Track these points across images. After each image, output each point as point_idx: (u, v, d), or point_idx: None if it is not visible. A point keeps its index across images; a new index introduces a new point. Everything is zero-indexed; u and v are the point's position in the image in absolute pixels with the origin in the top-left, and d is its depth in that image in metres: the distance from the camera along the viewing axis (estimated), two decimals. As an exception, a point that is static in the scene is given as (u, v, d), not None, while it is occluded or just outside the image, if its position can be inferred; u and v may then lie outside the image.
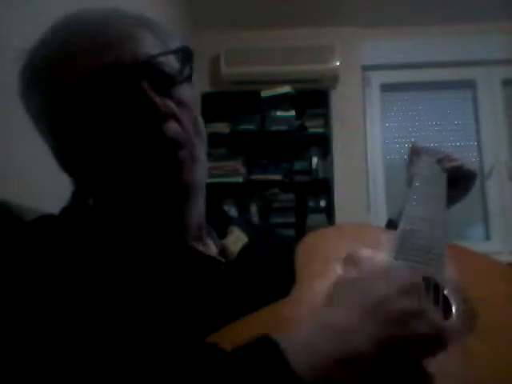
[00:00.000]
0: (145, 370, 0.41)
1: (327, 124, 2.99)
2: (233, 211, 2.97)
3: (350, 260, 0.53)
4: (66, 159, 0.64)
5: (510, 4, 2.97)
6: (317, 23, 3.17)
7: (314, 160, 2.97)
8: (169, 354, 0.42)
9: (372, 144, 3.23)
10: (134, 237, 0.60)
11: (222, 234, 0.70)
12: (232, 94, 3.12)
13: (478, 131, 3.21)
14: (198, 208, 0.65)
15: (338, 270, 0.56)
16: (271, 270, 0.68)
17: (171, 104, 0.59)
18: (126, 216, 0.62)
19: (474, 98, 3.26)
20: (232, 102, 3.08)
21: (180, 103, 0.61)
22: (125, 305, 0.49)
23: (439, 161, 0.87)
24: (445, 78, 3.26)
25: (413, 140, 0.94)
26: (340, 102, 3.12)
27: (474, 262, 0.68)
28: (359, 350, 0.41)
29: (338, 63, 3.07)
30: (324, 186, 2.91)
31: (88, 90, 0.57)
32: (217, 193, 2.99)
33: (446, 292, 0.60)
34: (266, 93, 3.00)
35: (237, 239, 0.69)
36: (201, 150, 0.63)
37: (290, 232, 2.85)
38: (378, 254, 0.57)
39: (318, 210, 2.91)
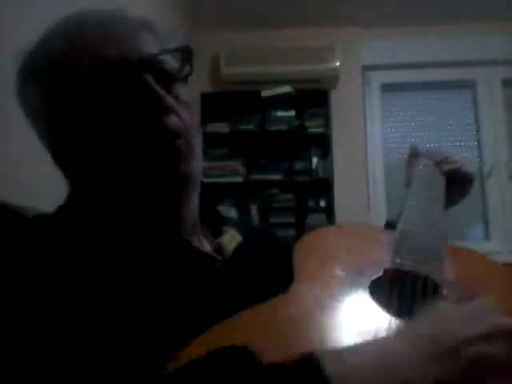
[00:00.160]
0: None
1: (327, 124, 2.99)
2: (233, 211, 2.97)
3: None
4: (64, 156, 0.64)
5: (510, 4, 2.97)
6: (317, 23, 3.17)
7: (314, 160, 2.96)
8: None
9: (372, 144, 3.23)
10: (129, 231, 0.60)
11: (217, 234, 0.71)
12: (232, 93, 3.12)
13: (478, 131, 3.20)
14: (193, 204, 0.66)
15: (336, 269, 0.56)
16: (266, 269, 0.68)
17: (171, 99, 0.60)
18: (122, 211, 0.62)
19: (474, 98, 3.26)
20: (232, 102, 3.08)
21: (178, 100, 0.62)
22: (121, 300, 0.49)
23: (438, 163, 0.87)
24: (445, 78, 3.26)
25: (412, 141, 0.94)
26: (340, 102, 3.12)
27: (474, 262, 0.68)
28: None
29: (337, 63, 3.07)
30: (324, 186, 2.91)
31: (92, 83, 0.57)
32: (217, 193, 2.99)
33: (444, 292, 0.60)
34: (265, 93, 2.99)
35: (231, 238, 0.69)
36: (197, 145, 0.64)
37: (290, 232, 2.85)
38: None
39: (318, 209, 2.91)
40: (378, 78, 3.32)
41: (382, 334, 0.46)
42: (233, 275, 0.64)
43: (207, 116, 3.05)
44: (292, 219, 2.92)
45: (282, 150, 3.08)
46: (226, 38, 3.21)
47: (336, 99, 3.09)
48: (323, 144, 2.99)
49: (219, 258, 0.65)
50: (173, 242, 0.62)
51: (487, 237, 3.09)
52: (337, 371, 0.36)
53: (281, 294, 0.55)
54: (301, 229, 2.86)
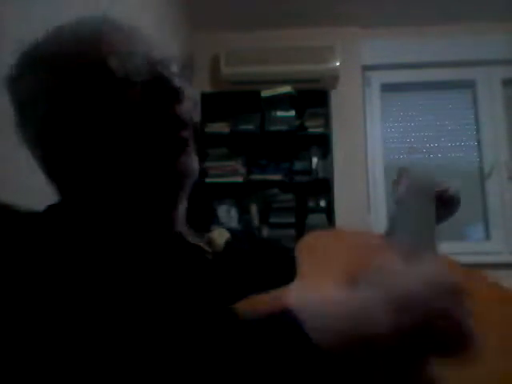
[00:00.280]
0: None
1: (327, 124, 2.99)
2: (233, 211, 2.97)
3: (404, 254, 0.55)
4: (57, 158, 0.63)
5: (510, 4, 2.97)
6: (317, 23, 3.18)
7: (314, 160, 2.96)
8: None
9: (372, 144, 3.23)
10: (122, 224, 0.60)
11: (205, 232, 0.72)
12: (232, 93, 3.12)
13: (478, 131, 3.21)
14: (184, 201, 0.67)
15: (334, 270, 0.57)
16: (256, 263, 0.70)
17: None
18: (116, 205, 0.62)
19: (474, 98, 3.26)
20: (232, 102, 3.08)
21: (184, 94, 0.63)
22: (116, 293, 0.49)
23: (425, 185, 0.88)
24: (445, 78, 3.26)
25: (400, 167, 0.94)
26: (340, 102, 3.12)
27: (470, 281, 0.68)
28: (375, 331, 0.43)
29: (337, 63, 3.07)
30: (324, 186, 2.91)
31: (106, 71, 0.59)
32: (217, 193, 2.99)
33: None
34: (265, 93, 2.99)
35: (220, 234, 0.71)
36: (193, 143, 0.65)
37: (290, 232, 2.86)
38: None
39: (318, 210, 2.91)
40: (377, 78, 3.32)
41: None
42: (224, 267, 0.65)
43: (207, 116, 3.05)
44: (292, 219, 2.92)
45: (282, 150, 3.08)
46: (226, 38, 3.21)
47: (336, 99, 3.09)
48: (323, 144, 2.99)
49: (210, 250, 0.66)
50: (164, 233, 0.63)
51: (487, 237, 3.09)
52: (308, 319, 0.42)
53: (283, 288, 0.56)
54: (301, 229, 2.86)
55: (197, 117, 0.67)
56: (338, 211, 2.84)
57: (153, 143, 0.58)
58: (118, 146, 0.59)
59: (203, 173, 2.91)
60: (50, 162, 0.64)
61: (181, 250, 0.62)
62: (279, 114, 3.00)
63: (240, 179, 2.96)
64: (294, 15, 3.10)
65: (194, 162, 0.63)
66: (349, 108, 3.17)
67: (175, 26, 2.77)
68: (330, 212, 2.86)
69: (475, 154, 3.19)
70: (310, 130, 3.02)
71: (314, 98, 3.05)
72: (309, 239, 0.69)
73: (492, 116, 3.19)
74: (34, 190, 1.11)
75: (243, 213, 2.98)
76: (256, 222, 2.95)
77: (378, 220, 3.11)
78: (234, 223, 2.91)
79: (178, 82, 0.61)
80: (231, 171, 2.97)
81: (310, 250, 0.66)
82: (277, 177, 2.97)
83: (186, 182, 0.63)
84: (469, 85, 3.27)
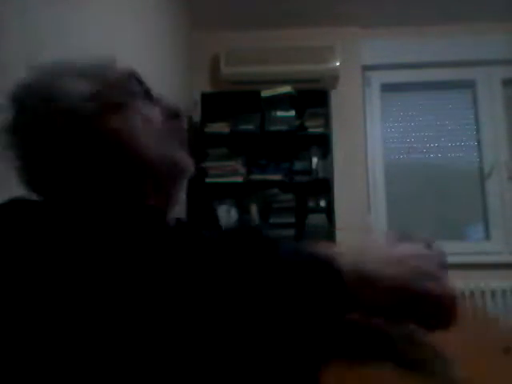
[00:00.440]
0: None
1: (327, 124, 2.99)
2: (233, 211, 2.97)
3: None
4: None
5: (510, 4, 2.97)
6: (317, 23, 3.18)
7: (314, 160, 2.96)
8: None
9: (372, 144, 3.23)
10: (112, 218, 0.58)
11: None
12: (232, 93, 3.12)
13: (478, 131, 3.21)
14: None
15: None
16: None
17: None
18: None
19: (474, 98, 3.26)
20: (232, 102, 3.08)
21: None
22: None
23: None
24: (445, 78, 3.27)
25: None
26: (340, 102, 3.12)
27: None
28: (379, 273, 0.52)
29: (337, 63, 3.07)
30: (324, 186, 2.91)
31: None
32: (217, 193, 2.99)
33: None
34: (266, 93, 2.99)
35: None
36: None
37: (290, 232, 2.85)
38: None
39: (318, 210, 2.91)
40: (377, 78, 3.32)
41: None
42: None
43: (207, 116, 3.05)
44: (292, 219, 2.92)
45: (282, 150, 3.08)
46: (226, 38, 3.21)
47: (336, 99, 3.09)
48: (323, 144, 2.99)
49: None
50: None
51: (487, 237, 3.09)
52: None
53: None
54: (301, 229, 2.86)
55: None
56: (338, 211, 2.84)
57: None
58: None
59: (203, 173, 2.91)
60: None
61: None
62: (279, 113, 3.00)
63: (240, 179, 2.96)
64: (294, 15, 3.10)
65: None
66: (349, 108, 3.17)
67: (175, 25, 2.77)
68: (330, 212, 2.86)
69: (475, 154, 3.19)
70: (310, 130, 3.02)
71: (313, 97, 3.05)
72: None
73: (492, 116, 3.19)
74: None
75: (243, 213, 2.98)
76: (256, 221, 2.94)
77: (378, 220, 3.11)
78: (233, 223, 2.91)
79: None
80: (231, 171, 2.97)
81: None
82: (277, 177, 2.97)
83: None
84: (469, 85, 3.27)
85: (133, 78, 0.71)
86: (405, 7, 3.05)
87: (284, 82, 3.03)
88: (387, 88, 3.31)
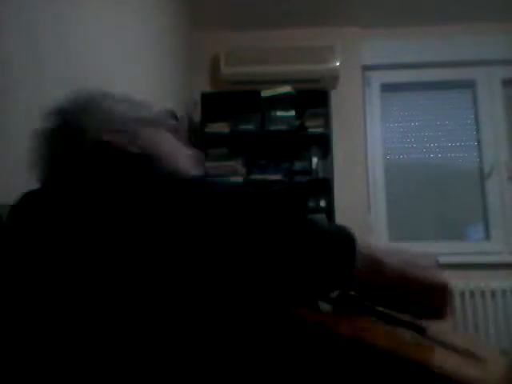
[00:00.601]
0: None
1: (327, 124, 2.99)
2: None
3: None
4: None
5: (510, 4, 2.97)
6: (317, 23, 3.18)
7: (314, 160, 2.96)
8: None
9: (372, 144, 3.23)
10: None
11: None
12: (232, 93, 3.12)
13: (478, 131, 3.21)
14: None
15: None
16: None
17: None
18: None
19: (474, 98, 3.26)
20: (232, 102, 3.08)
21: None
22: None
23: None
24: (445, 78, 3.27)
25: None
26: (340, 102, 3.12)
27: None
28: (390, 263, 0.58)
29: (337, 63, 3.07)
30: (324, 186, 2.91)
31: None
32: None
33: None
34: (266, 93, 2.99)
35: None
36: None
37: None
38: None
39: (318, 210, 2.91)
40: (377, 78, 3.32)
41: None
42: None
43: (207, 116, 3.05)
44: (292, 219, 2.91)
45: (282, 150, 3.08)
46: (226, 38, 3.21)
47: (336, 99, 3.09)
48: (323, 144, 2.99)
49: None
50: None
51: (487, 237, 3.09)
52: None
53: None
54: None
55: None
56: (338, 211, 2.84)
57: None
58: None
59: (203, 173, 2.90)
60: None
61: None
62: (279, 113, 3.00)
63: (240, 179, 2.96)
64: (294, 15, 3.10)
65: None
66: (349, 108, 3.17)
67: (175, 25, 2.77)
68: (330, 212, 2.86)
69: (475, 154, 3.19)
70: (310, 130, 3.02)
71: (314, 97, 3.05)
72: None
73: (492, 116, 3.19)
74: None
75: (243, 213, 2.98)
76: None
77: (378, 220, 3.11)
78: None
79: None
80: (231, 171, 2.97)
81: None
82: (277, 177, 2.97)
83: None
84: (469, 85, 3.27)
85: (170, 114, 0.86)
86: (405, 7, 3.05)
87: (284, 81, 3.03)
88: (387, 88, 3.31)
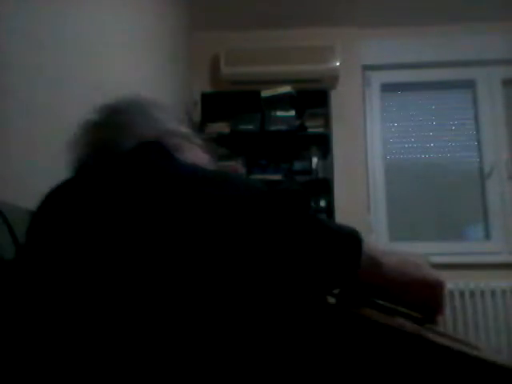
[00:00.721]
0: None
1: (327, 124, 2.99)
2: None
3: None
4: None
5: (510, 4, 2.97)
6: (317, 23, 3.18)
7: (314, 160, 2.97)
8: None
9: (372, 144, 3.23)
10: None
11: None
12: (232, 94, 3.12)
13: (477, 131, 3.21)
14: None
15: None
16: None
17: None
18: None
19: (474, 98, 3.26)
20: (232, 102, 3.08)
21: None
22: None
23: None
24: (445, 78, 3.27)
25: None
26: (340, 102, 3.12)
27: None
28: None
29: (337, 63, 3.07)
30: (324, 186, 2.91)
31: None
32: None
33: None
34: (266, 93, 2.99)
35: None
36: None
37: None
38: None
39: (318, 210, 2.91)
40: (378, 78, 3.32)
41: None
42: None
43: (207, 116, 3.05)
44: (292, 219, 2.91)
45: (282, 150, 3.08)
46: (226, 38, 3.21)
47: (336, 99, 3.09)
48: (323, 144, 2.99)
49: None
50: None
51: (487, 237, 3.09)
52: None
53: None
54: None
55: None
56: (338, 211, 2.84)
57: None
58: None
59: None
60: None
61: None
62: (279, 113, 3.00)
63: (240, 179, 2.95)
64: (294, 15, 3.10)
65: None
66: (349, 108, 3.17)
67: (175, 25, 2.77)
68: (330, 212, 2.86)
69: (475, 153, 3.19)
70: (310, 130, 3.02)
71: (314, 98, 3.05)
72: None
73: (492, 116, 3.19)
74: (34, 189, 1.11)
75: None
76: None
77: (378, 220, 3.11)
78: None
79: None
80: (231, 171, 2.96)
81: None
82: (277, 177, 2.97)
83: None
84: (469, 85, 3.27)
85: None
86: (405, 7, 3.05)
87: (284, 81, 3.03)
88: (387, 88, 3.31)
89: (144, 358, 0.50)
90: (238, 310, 0.52)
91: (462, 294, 2.80)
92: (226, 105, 3.09)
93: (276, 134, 3.00)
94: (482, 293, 2.81)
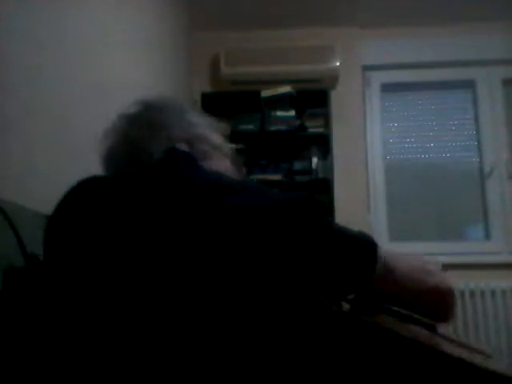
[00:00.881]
0: None
1: (327, 124, 2.99)
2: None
3: None
4: None
5: (510, 4, 2.97)
6: (317, 23, 3.18)
7: (314, 160, 2.97)
8: None
9: (372, 144, 3.23)
10: None
11: None
12: (232, 94, 3.12)
13: (477, 131, 3.21)
14: None
15: None
16: None
17: None
18: None
19: (474, 98, 3.26)
20: (232, 102, 3.08)
21: None
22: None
23: None
24: (445, 78, 3.27)
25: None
26: (340, 102, 3.12)
27: None
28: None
29: (337, 63, 3.07)
30: (324, 186, 2.91)
31: None
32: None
33: None
34: (266, 93, 2.99)
35: None
36: None
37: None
38: None
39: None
40: (378, 78, 3.32)
41: None
42: None
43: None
44: (292, 219, 2.91)
45: (282, 150, 3.08)
46: (226, 38, 3.21)
47: (336, 99, 3.09)
48: (323, 144, 2.99)
49: None
50: None
51: (487, 237, 3.09)
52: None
53: None
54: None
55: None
56: (338, 211, 2.84)
57: None
58: None
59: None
60: None
61: None
62: (279, 113, 3.00)
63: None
64: (294, 15, 3.10)
65: None
66: (349, 108, 3.17)
67: (175, 25, 2.77)
68: (330, 212, 2.86)
69: (475, 153, 3.19)
70: (310, 130, 3.02)
71: (314, 98, 3.05)
72: None
73: (492, 116, 3.19)
74: (35, 190, 1.11)
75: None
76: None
77: (378, 220, 3.11)
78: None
79: None
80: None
81: None
82: (277, 177, 2.97)
83: None
84: (469, 85, 3.27)
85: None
86: (405, 7, 3.05)
87: (284, 81, 3.03)
88: (387, 88, 3.31)
89: (145, 358, 0.50)
90: (252, 315, 0.53)
91: (462, 293, 2.80)
92: (226, 105, 3.09)
93: (276, 133, 3.00)
94: (482, 293, 2.81)
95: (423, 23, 3.18)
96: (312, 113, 3.06)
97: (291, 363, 0.53)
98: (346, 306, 0.61)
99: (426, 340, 0.56)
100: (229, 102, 3.09)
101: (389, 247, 0.63)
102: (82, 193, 0.60)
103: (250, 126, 3.03)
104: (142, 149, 0.78)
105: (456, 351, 0.54)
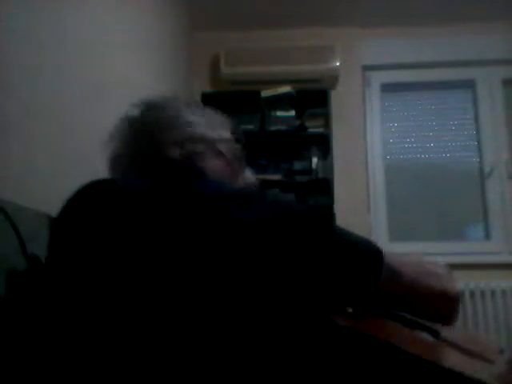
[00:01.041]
0: None
1: (327, 124, 2.99)
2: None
3: None
4: None
5: (510, 4, 2.97)
6: (317, 23, 3.18)
7: (314, 160, 2.97)
8: None
9: (372, 144, 3.23)
10: None
11: None
12: (232, 94, 3.12)
13: (477, 131, 3.21)
14: None
15: None
16: None
17: None
18: None
19: (474, 98, 3.26)
20: (232, 102, 3.08)
21: None
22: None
23: None
24: (445, 78, 3.27)
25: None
26: (340, 102, 3.12)
27: None
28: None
29: (337, 63, 3.07)
30: (324, 186, 2.91)
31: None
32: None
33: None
34: (266, 93, 3.00)
35: None
36: None
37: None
38: None
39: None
40: (378, 78, 3.32)
41: None
42: None
43: (207, 116, 3.05)
44: (292, 219, 2.91)
45: (282, 150, 3.08)
46: (226, 38, 3.21)
47: (336, 99, 3.09)
48: (323, 144, 2.99)
49: None
50: None
51: (487, 237, 3.09)
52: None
53: None
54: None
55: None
56: (338, 211, 2.83)
57: None
58: None
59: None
60: None
61: None
62: (279, 113, 3.00)
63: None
64: (294, 15, 3.10)
65: None
66: (349, 108, 3.17)
67: (175, 25, 2.77)
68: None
69: (475, 153, 3.19)
70: (310, 130, 3.02)
71: (314, 98, 3.05)
72: None
73: (492, 116, 3.19)
74: (35, 190, 1.11)
75: (243, 213, 2.97)
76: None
77: (378, 220, 3.11)
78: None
79: None
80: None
81: None
82: (277, 177, 2.97)
83: None
84: (469, 85, 3.27)
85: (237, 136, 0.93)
86: (405, 7, 3.05)
87: (284, 81, 3.03)
88: (387, 88, 3.31)
89: (149, 364, 0.50)
90: (258, 322, 0.53)
91: (462, 294, 2.80)
92: (226, 105, 3.07)
93: (276, 133, 3.00)
94: (482, 293, 2.81)
95: (423, 23, 3.18)
96: (312, 113, 3.06)
97: (289, 370, 0.53)
98: (349, 310, 0.61)
99: (429, 351, 0.55)
100: (229, 101, 3.09)
101: (389, 248, 0.63)
102: (88, 198, 0.59)
103: (250, 126, 3.03)
104: (142, 152, 0.78)
105: (457, 362, 0.54)
